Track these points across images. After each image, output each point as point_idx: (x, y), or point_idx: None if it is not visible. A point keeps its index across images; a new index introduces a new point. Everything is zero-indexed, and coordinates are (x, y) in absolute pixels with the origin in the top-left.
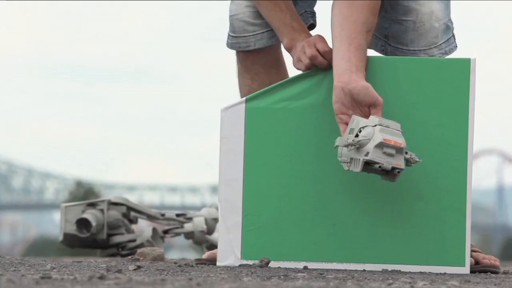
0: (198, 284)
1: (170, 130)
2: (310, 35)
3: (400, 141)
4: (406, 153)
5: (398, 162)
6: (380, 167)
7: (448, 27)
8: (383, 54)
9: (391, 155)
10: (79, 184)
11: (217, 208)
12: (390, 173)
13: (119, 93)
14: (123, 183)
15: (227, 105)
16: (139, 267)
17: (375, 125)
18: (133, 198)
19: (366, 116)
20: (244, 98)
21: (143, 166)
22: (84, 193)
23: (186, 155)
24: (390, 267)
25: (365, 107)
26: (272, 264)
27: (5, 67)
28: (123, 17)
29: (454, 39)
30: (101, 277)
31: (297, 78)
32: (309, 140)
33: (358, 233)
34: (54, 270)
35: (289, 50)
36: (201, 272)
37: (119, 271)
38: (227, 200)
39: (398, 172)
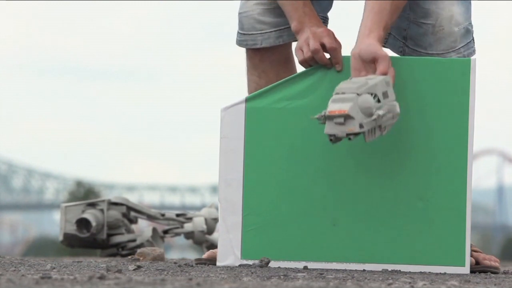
0: (198, 284)
1: (170, 130)
2: (321, 23)
3: (345, 107)
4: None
5: (350, 127)
6: (335, 137)
7: (468, 31)
8: (401, 55)
9: (341, 123)
10: (79, 184)
11: (217, 208)
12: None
13: (119, 93)
14: (123, 183)
15: (226, 105)
16: (139, 267)
17: (335, 94)
18: (133, 198)
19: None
20: (243, 98)
21: (143, 166)
22: (84, 193)
23: (186, 155)
24: (390, 267)
25: (371, 64)
26: (272, 264)
27: (5, 67)
28: (123, 14)
29: (474, 42)
30: (101, 277)
31: (297, 77)
32: (309, 140)
33: (358, 233)
34: (54, 270)
35: (296, 33)
36: (201, 272)
37: (119, 271)
38: (227, 199)
39: (355, 135)
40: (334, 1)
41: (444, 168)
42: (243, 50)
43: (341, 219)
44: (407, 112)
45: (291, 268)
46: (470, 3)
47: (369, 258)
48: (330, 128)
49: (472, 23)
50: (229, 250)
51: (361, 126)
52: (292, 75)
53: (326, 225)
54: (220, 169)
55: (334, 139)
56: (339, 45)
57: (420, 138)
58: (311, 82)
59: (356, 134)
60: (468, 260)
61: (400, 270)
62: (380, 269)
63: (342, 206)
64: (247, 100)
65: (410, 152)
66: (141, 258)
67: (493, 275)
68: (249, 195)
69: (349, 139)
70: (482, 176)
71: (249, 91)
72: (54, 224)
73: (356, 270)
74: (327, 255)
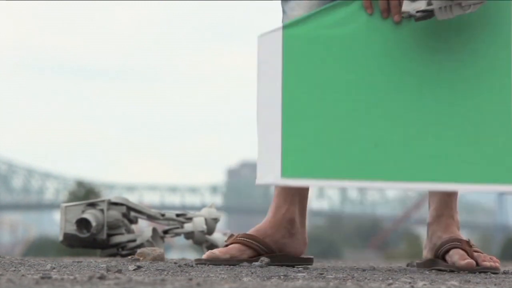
0: (198, 284)
1: (170, 130)
2: None
3: None
4: None
5: (419, 5)
6: (409, 14)
7: None
8: None
9: (413, 0)
10: (79, 184)
11: (217, 208)
12: (426, 14)
13: (119, 93)
14: (123, 183)
15: (263, 32)
16: (139, 267)
17: None
18: (133, 198)
19: None
20: (281, 25)
21: (143, 166)
22: (85, 193)
23: (186, 155)
24: (431, 186)
25: None
26: (314, 183)
27: (5, 67)
28: (123, 14)
29: None
30: (101, 277)
31: (337, 5)
32: (349, 66)
33: (400, 154)
34: (54, 270)
35: None
36: (201, 272)
37: (119, 271)
38: (266, 121)
39: (426, 13)
40: None
41: (489, 89)
42: (242, 51)
43: (383, 140)
44: (457, 26)
45: (291, 268)
46: None
47: (410, 176)
48: (405, 5)
49: None
50: (268, 169)
51: (429, 3)
52: (332, 3)
53: (367, 145)
54: (258, 93)
55: (407, 16)
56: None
57: (468, 60)
58: (351, 11)
59: (427, 12)
60: None
61: (400, 268)
62: (422, 188)
63: (384, 127)
64: (284, 27)
65: (459, 74)
66: (141, 258)
67: (493, 275)
68: (288, 116)
69: (422, 18)
70: None
71: None
72: (54, 224)
73: (356, 270)
74: (368, 174)
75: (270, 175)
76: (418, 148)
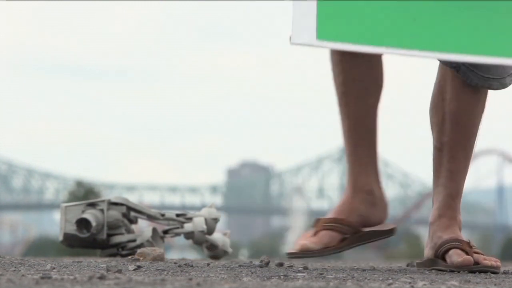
0: (198, 284)
1: (170, 130)
2: None
3: None
4: None
5: None
6: None
7: None
8: (454, 70)
9: None
10: (79, 184)
11: (217, 208)
12: None
13: (119, 93)
14: (123, 183)
15: None
16: (139, 267)
17: None
18: (133, 198)
19: None
20: None
21: (143, 166)
22: (84, 193)
23: (186, 155)
24: (468, 58)
25: None
26: (349, 47)
27: (5, 67)
28: (123, 14)
29: None
30: (101, 277)
31: None
32: None
33: (435, 25)
34: (54, 270)
35: None
36: (201, 272)
37: (119, 271)
38: None
39: None
40: None
41: None
42: (242, 51)
43: (421, 14)
44: None
45: (291, 268)
46: None
47: (444, 48)
48: None
49: None
50: (303, 30)
51: None
52: None
53: (405, 17)
54: None
55: None
56: None
57: None
58: None
59: None
60: None
61: (401, 268)
62: (457, 59)
63: (422, 3)
64: None
65: None
66: (141, 258)
67: (493, 275)
68: None
69: None
70: (482, 176)
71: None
72: (54, 224)
73: (356, 270)
74: (404, 43)
75: (306, 36)
76: (452, 23)
